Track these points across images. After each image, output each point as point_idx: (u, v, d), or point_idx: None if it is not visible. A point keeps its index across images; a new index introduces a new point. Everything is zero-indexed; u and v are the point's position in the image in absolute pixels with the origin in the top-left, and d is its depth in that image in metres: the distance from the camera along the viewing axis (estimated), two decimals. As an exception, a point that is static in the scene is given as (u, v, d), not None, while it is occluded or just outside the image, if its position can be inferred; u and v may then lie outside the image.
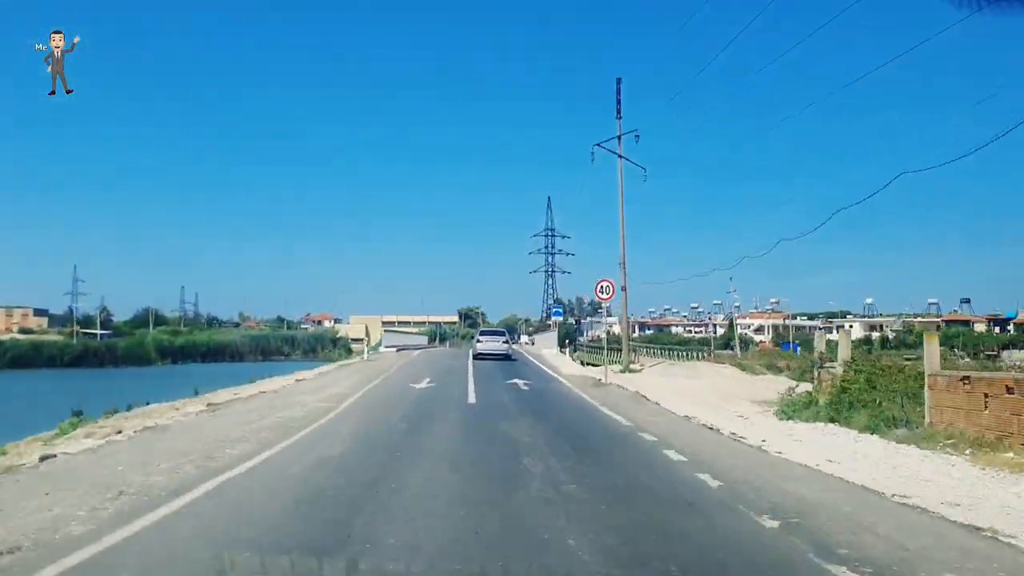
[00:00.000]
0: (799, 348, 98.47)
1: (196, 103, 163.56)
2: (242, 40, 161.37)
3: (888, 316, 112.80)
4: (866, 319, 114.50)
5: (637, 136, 42.58)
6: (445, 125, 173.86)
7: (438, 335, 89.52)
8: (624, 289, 41.15)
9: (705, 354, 56.44)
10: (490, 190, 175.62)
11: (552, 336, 51.18)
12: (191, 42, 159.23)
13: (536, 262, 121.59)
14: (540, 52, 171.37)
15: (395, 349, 46.30)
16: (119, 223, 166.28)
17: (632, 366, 37.87)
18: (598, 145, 43.36)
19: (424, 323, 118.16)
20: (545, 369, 30.41)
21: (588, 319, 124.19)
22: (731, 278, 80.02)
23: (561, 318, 42.59)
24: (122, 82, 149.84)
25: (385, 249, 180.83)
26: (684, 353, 62.27)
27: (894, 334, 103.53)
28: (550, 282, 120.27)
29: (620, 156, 42.95)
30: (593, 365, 49.57)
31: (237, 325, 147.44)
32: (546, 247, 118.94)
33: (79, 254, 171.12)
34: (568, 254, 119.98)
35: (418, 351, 48.36)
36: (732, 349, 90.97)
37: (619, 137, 42.97)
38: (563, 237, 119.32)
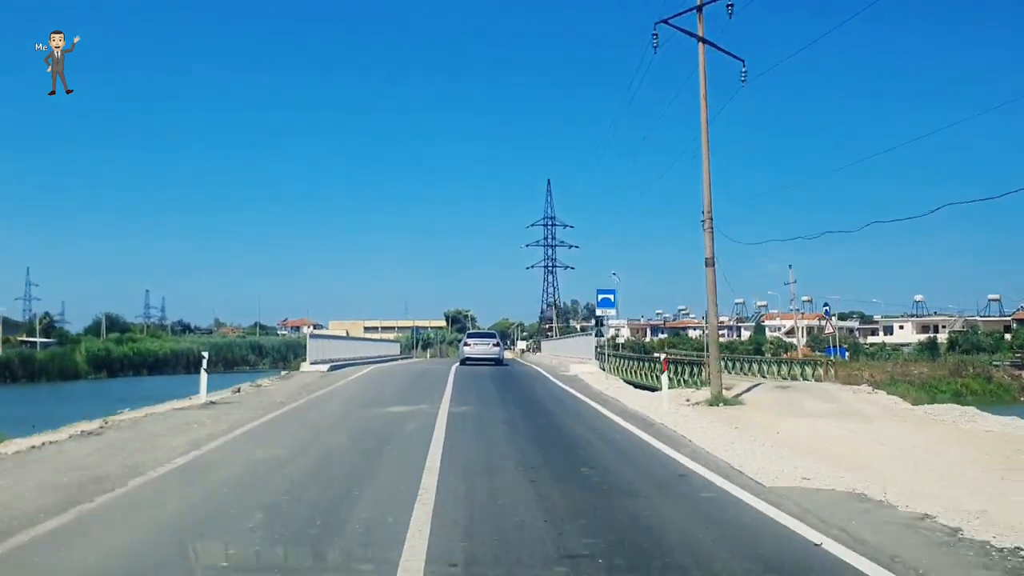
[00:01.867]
0: (847, 353, 79.43)
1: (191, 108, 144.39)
2: (218, 38, 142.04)
3: (943, 315, 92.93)
4: (917, 319, 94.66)
5: (730, 6, 22.66)
6: (432, 108, 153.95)
7: (418, 341, 68.82)
8: (712, 263, 21.20)
9: (790, 366, 36.64)
10: (483, 182, 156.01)
11: (580, 344, 31.01)
12: (163, 41, 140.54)
13: (533, 257, 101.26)
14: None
15: (326, 367, 26.04)
16: (95, 226, 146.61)
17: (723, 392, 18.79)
18: (665, 22, 23.55)
19: (410, 328, 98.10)
20: (652, 445, 10.09)
21: (592, 322, 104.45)
22: (791, 266, 60.06)
23: (614, 309, 22.22)
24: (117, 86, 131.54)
25: (370, 251, 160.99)
26: (757, 365, 42.67)
27: (954, 335, 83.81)
28: (550, 279, 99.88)
29: (701, 40, 22.95)
30: (639, 386, 29.87)
31: (210, 332, 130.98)
32: (545, 238, 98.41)
33: (49, 256, 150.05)
34: (571, 246, 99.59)
35: (368, 368, 28.24)
36: (762, 354, 72.21)
37: (699, 8, 23.08)
38: (565, 227, 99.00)
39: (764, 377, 34.22)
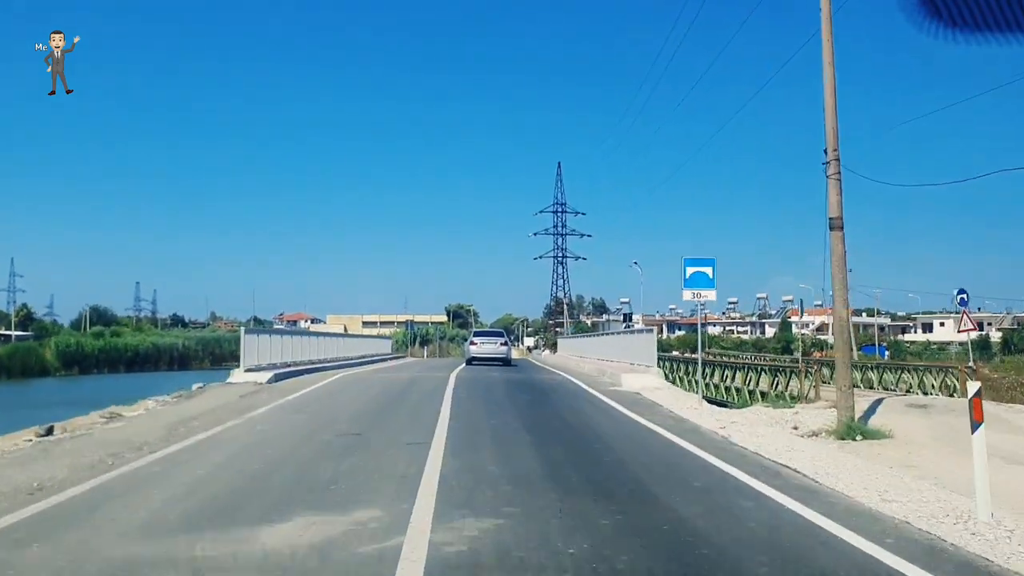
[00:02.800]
0: (887, 352, 71.21)
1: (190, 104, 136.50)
2: (217, 37, 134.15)
3: (987, 312, 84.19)
4: (958, 316, 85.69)
5: None
6: (431, 105, 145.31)
7: (415, 338, 60.31)
8: (839, 225, 12.22)
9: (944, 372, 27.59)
10: (484, 179, 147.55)
11: (631, 344, 22.51)
12: (162, 37, 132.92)
13: (540, 248, 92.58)
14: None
15: (268, 376, 17.51)
16: (90, 220, 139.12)
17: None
18: None
19: (410, 322, 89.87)
20: None
21: (605, 318, 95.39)
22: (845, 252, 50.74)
23: (712, 290, 13.32)
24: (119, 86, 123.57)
25: (371, 246, 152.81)
26: (861, 372, 33.88)
27: (1007, 333, 75.09)
28: (560, 270, 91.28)
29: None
30: (723, 405, 21.40)
31: (205, 326, 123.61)
32: (555, 226, 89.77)
33: (41, 249, 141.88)
34: (583, 235, 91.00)
35: (332, 378, 19.78)
36: (792, 353, 63.84)
37: None
38: (576, 214, 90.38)
39: (871, 388, 25.56)
